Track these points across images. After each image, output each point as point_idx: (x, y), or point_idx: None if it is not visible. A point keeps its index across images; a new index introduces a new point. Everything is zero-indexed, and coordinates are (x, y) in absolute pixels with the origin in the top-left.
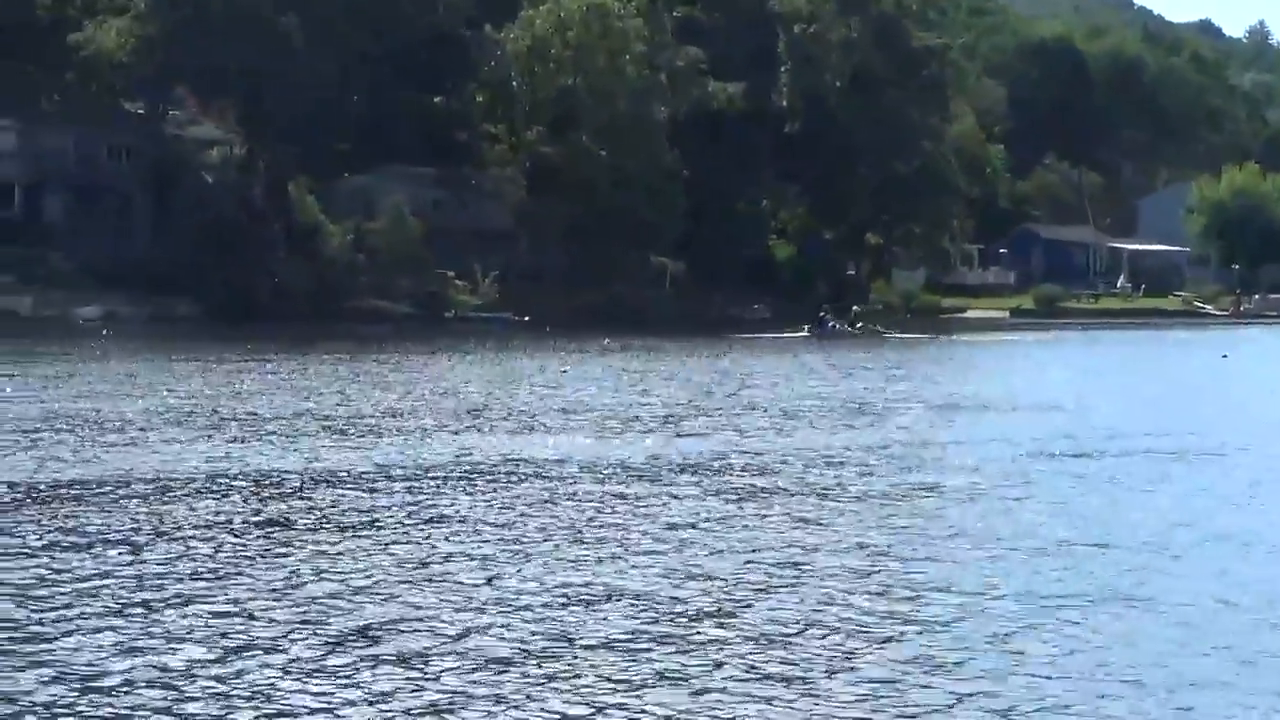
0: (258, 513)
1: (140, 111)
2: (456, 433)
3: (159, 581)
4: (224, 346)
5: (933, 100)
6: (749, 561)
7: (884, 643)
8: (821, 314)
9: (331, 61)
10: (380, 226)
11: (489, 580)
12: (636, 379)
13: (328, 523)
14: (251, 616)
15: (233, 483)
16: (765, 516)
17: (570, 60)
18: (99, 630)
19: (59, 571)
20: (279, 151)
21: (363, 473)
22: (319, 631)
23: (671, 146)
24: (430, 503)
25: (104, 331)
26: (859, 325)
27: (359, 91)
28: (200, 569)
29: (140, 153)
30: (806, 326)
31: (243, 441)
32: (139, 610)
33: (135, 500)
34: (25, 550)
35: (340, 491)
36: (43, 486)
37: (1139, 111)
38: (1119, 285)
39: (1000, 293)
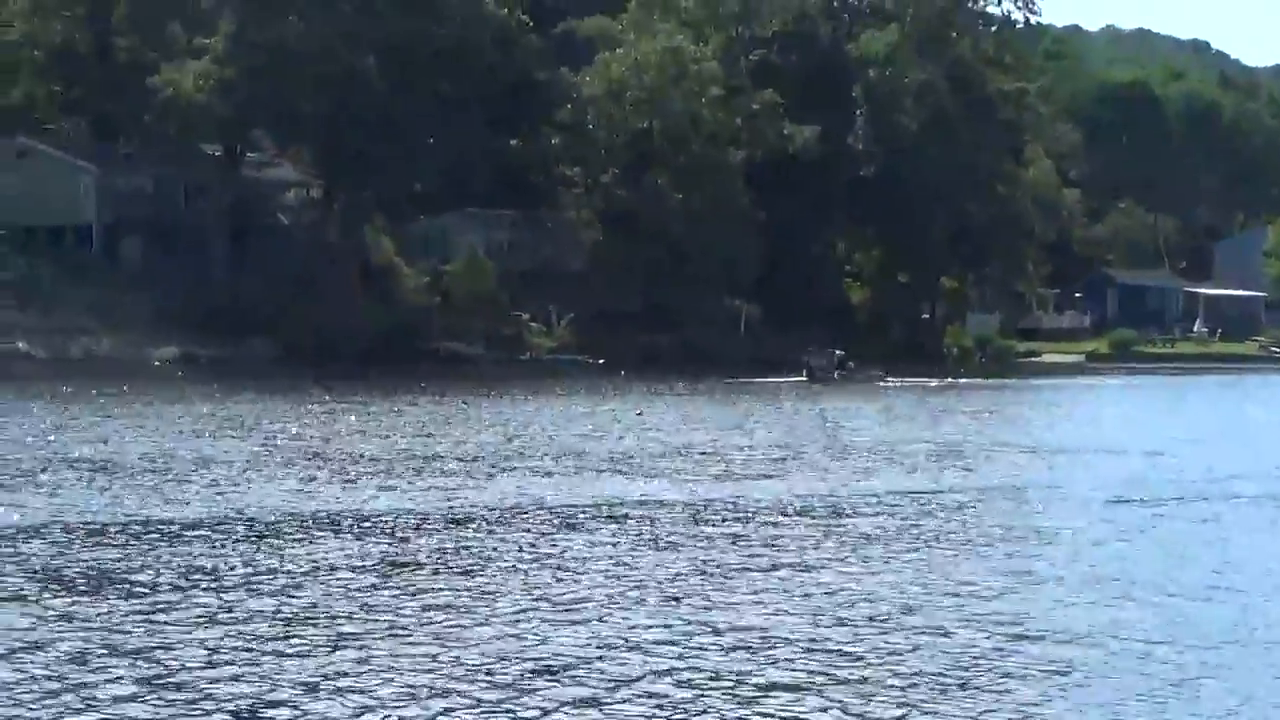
0: (385, 551)
1: (218, 154)
2: (565, 474)
3: (312, 619)
4: (307, 388)
5: (1008, 144)
6: (878, 604)
7: (999, 686)
8: (806, 359)
9: (409, 104)
10: (456, 268)
11: (630, 618)
12: (726, 421)
13: (459, 561)
14: (385, 653)
15: (358, 522)
16: (885, 559)
17: (646, 103)
18: (237, 668)
19: (199, 607)
20: (355, 193)
21: (491, 509)
22: (500, 674)
23: (747, 189)
24: (553, 542)
25: (179, 373)
26: (848, 367)
27: (436, 134)
28: (338, 607)
29: (218, 195)
30: (804, 372)
31: (353, 481)
32: (285, 649)
33: (277, 539)
34: (159, 585)
35: (467, 530)
36: (173, 524)
37: (1215, 155)
38: (1195, 330)
39: (1075, 337)
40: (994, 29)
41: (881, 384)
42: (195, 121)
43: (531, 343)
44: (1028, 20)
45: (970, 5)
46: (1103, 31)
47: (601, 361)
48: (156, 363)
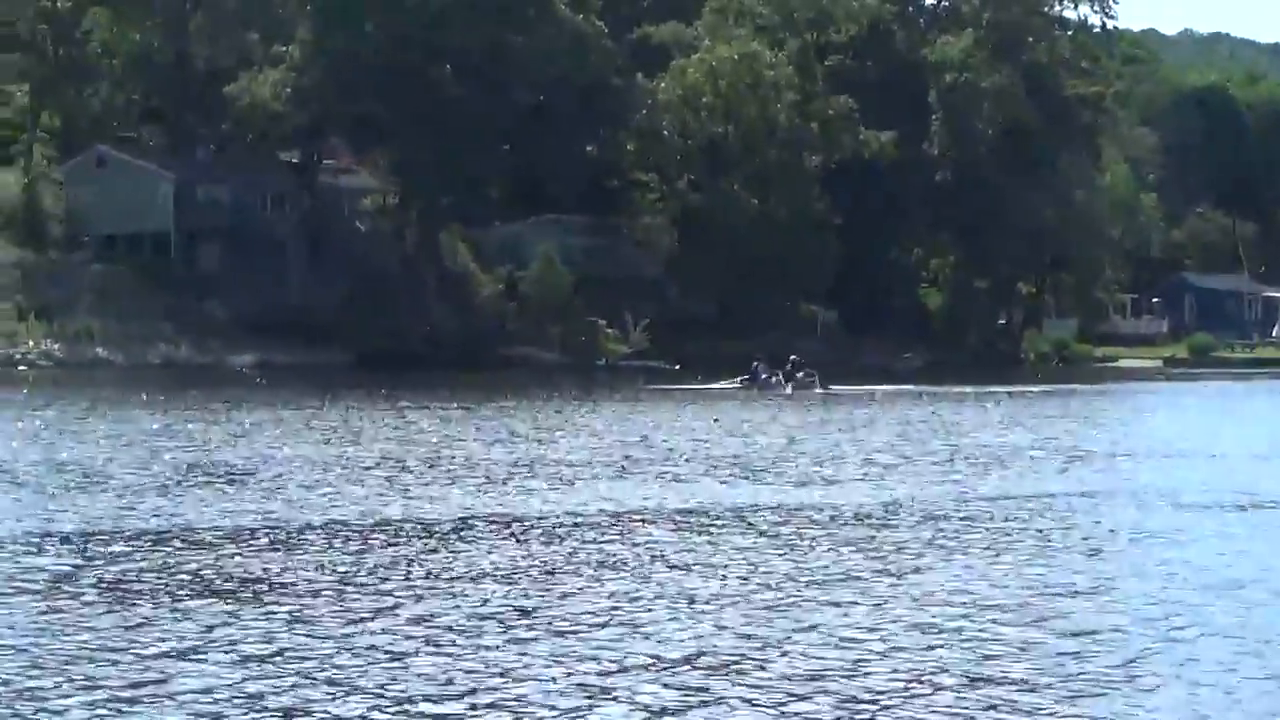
0: (513, 558)
1: (295, 161)
2: (683, 479)
3: (472, 620)
4: (392, 394)
5: (1085, 149)
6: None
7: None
8: (755, 364)
9: (485, 111)
10: (531, 275)
11: (762, 621)
12: (819, 427)
13: (593, 563)
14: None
15: (501, 526)
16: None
17: (721, 109)
18: (402, 670)
19: (357, 610)
20: (431, 200)
21: (620, 514)
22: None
23: (822, 195)
24: (676, 546)
25: (258, 379)
26: (800, 376)
27: (511, 140)
28: (493, 608)
29: (294, 202)
30: (740, 379)
31: (486, 486)
32: (450, 650)
33: (429, 543)
34: (315, 589)
35: (601, 534)
36: (312, 529)
37: None
38: (1275, 334)
39: (1153, 342)
40: (1070, 33)
41: (826, 391)
42: (272, 129)
43: (606, 349)
44: (1104, 24)
45: (1046, 9)
46: (1180, 35)
47: (678, 367)
48: (236, 369)
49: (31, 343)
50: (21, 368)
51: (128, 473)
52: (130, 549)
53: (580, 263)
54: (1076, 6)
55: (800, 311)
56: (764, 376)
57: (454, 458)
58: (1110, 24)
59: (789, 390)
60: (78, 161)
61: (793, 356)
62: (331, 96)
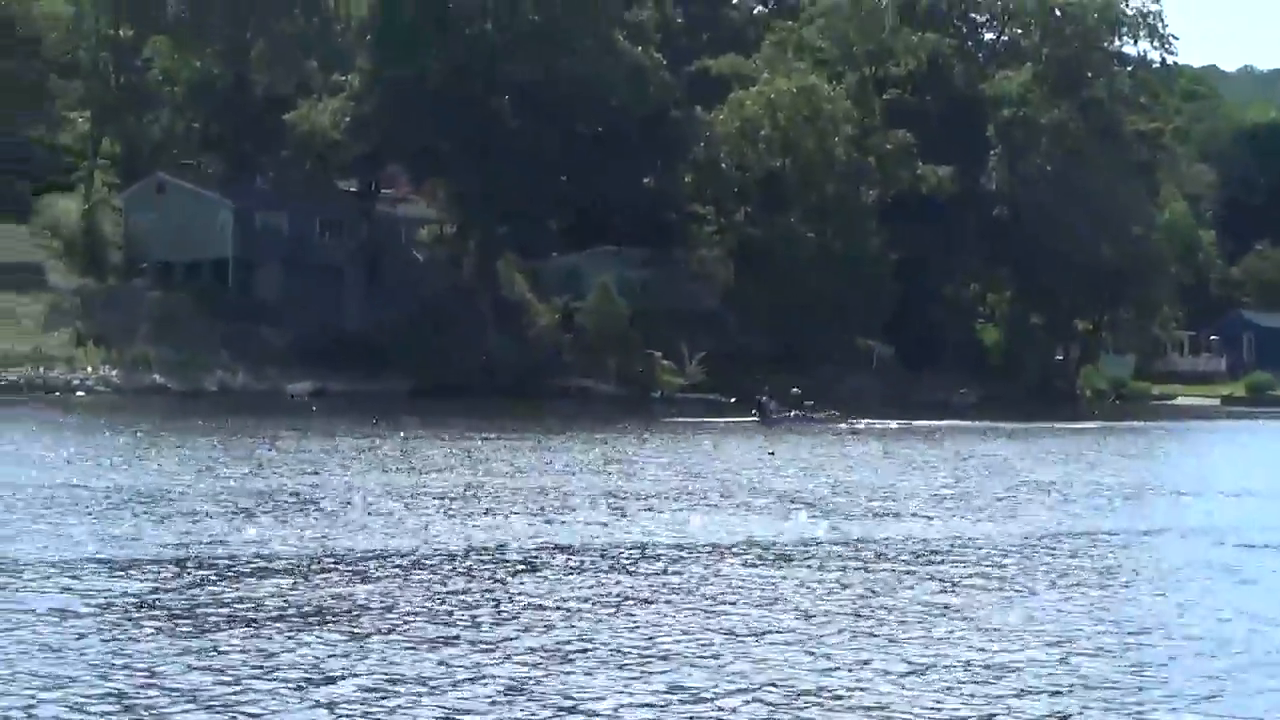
0: (591, 585)
1: (353, 189)
2: (752, 511)
3: (579, 647)
4: (453, 422)
5: (1143, 185)
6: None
7: None
8: (761, 398)
9: (543, 141)
10: (588, 306)
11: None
12: (881, 462)
13: (678, 593)
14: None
15: (581, 555)
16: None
17: (779, 142)
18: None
19: (467, 639)
20: (489, 230)
21: (691, 546)
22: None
23: (879, 229)
24: (750, 578)
25: (313, 407)
26: (805, 408)
27: (569, 171)
28: (587, 636)
29: (352, 230)
30: (754, 411)
31: (565, 515)
32: (572, 678)
33: (493, 571)
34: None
35: (672, 565)
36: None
37: None
38: None
39: (1211, 380)
40: (1129, 68)
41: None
42: (331, 157)
43: (663, 381)
44: (1164, 60)
45: (1106, 45)
46: (1240, 71)
47: (734, 400)
48: (292, 396)
49: (89, 369)
50: (80, 394)
51: (202, 500)
52: (208, 575)
53: (637, 294)
54: (1136, 42)
55: (857, 346)
56: (771, 411)
57: (522, 488)
58: (1170, 60)
59: (791, 416)
60: (137, 188)
61: (793, 390)
62: (390, 125)
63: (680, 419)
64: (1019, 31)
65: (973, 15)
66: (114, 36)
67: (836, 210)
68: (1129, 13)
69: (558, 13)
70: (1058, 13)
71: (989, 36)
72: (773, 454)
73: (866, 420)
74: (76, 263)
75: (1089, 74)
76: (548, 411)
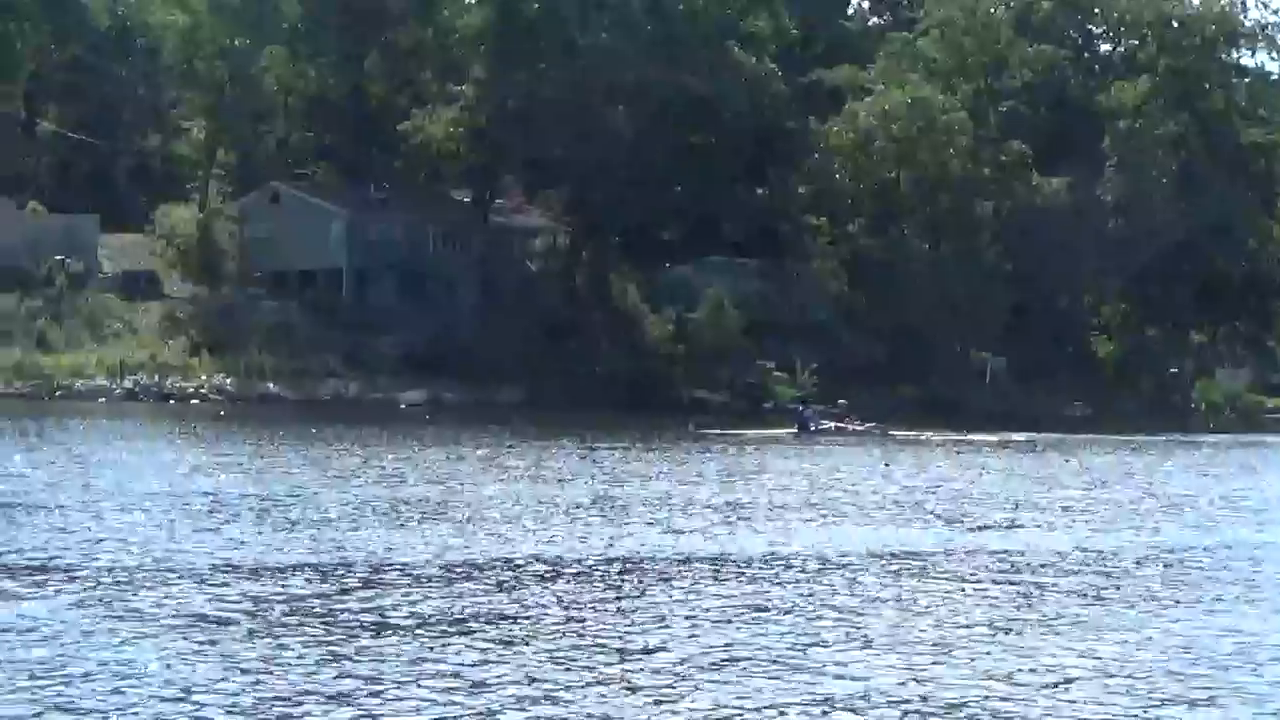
0: (732, 595)
1: (467, 199)
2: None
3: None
4: (573, 432)
5: (1260, 197)
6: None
7: None
8: (801, 409)
9: (657, 152)
10: (701, 316)
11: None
12: (1001, 474)
13: (808, 606)
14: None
15: (704, 566)
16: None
17: (894, 153)
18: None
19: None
20: (603, 241)
21: (824, 557)
22: None
23: (993, 241)
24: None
25: (426, 417)
26: (847, 421)
27: (684, 182)
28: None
29: (466, 241)
30: (795, 425)
31: (705, 525)
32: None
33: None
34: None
35: (807, 575)
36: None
37: None
38: None
39: None
40: (1247, 80)
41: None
42: (445, 167)
43: (775, 392)
44: None
45: (1223, 56)
46: None
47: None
48: (404, 406)
49: (204, 377)
50: (195, 402)
51: (339, 507)
52: (353, 582)
53: (750, 305)
54: (1254, 54)
55: (970, 358)
56: (810, 423)
57: (651, 497)
58: None
59: (832, 428)
60: (252, 198)
61: (840, 401)
62: (504, 136)
63: (714, 430)
64: (1135, 43)
65: (1089, 26)
66: (230, 46)
67: (951, 222)
68: (1247, 24)
69: (673, 24)
70: (1175, 24)
71: (1105, 48)
72: (888, 465)
73: (971, 434)
74: (192, 272)
75: (1206, 85)
76: (662, 423)
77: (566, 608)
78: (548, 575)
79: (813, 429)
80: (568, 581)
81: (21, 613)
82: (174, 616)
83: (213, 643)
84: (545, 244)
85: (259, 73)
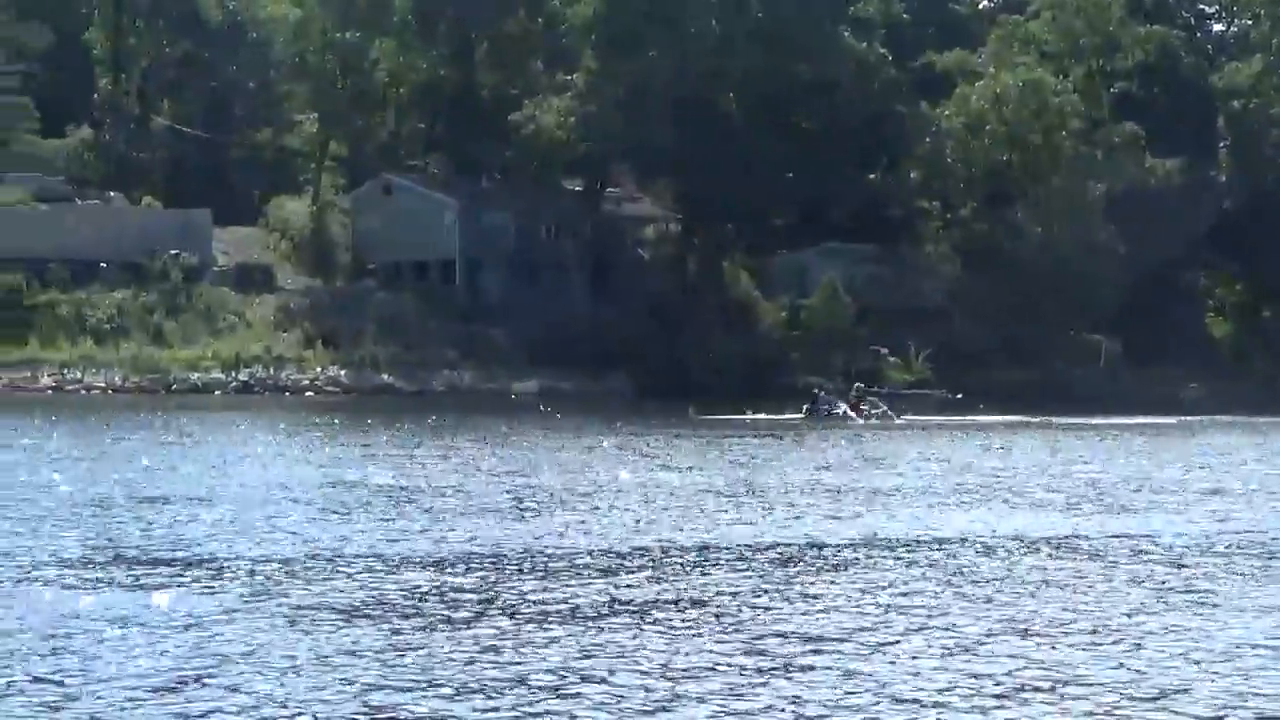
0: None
1: (578, 189)
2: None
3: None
4: (691, 420)
5: None
6: None
7: None
8: (816, 392)
9: (768, 139)
10: (814, 303)
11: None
12: (1123, 456)
13: (957, 589)
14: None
15: (823, 551)
16: None
17: (1005, 136)
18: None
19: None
20: (714, 228)
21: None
22: None
23: (1107, 222)
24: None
25: (540, 406)
26: (865, 408)
27: (795, 168)
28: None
29: (578, 230)
30: (805, 407)
31: (792, 511)
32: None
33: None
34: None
35: (951, 559)
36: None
37: None
38: None
39: None
40: None
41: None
42: (556, 157)
43: (889, 378)
44: None
45: None
46: None
47: (959, 396)
48: (516, 395)
49: (318, 369)
50: (309, 393)
51: (479, 497)
52: (504, 571)
53: (863, 291)
54: None
55: (1084, 341)
56: (825, 408)
57: (789, 485)
58: None
59: (857, 417)
60: (364, 190)
61: (857, 384)
62: (615, 124)
63: (719, 416)
64: (1248, 22)
65: (1201, 6)
66: (341, 39)
67: (1063, 204)
68: None
69: (784, 10)
70: None
71: (1217, 28)
72: (1003, 449)
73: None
74: (305, 264)
75: None
76: (777, 409)
77: (716, 594)
78: (699, 561)
79: (824, 411)
80: (721, 568)
81: (185, 606)
82: (337, 607)
83: (377, 633)
84: (657, 232)
85: (370, 65)
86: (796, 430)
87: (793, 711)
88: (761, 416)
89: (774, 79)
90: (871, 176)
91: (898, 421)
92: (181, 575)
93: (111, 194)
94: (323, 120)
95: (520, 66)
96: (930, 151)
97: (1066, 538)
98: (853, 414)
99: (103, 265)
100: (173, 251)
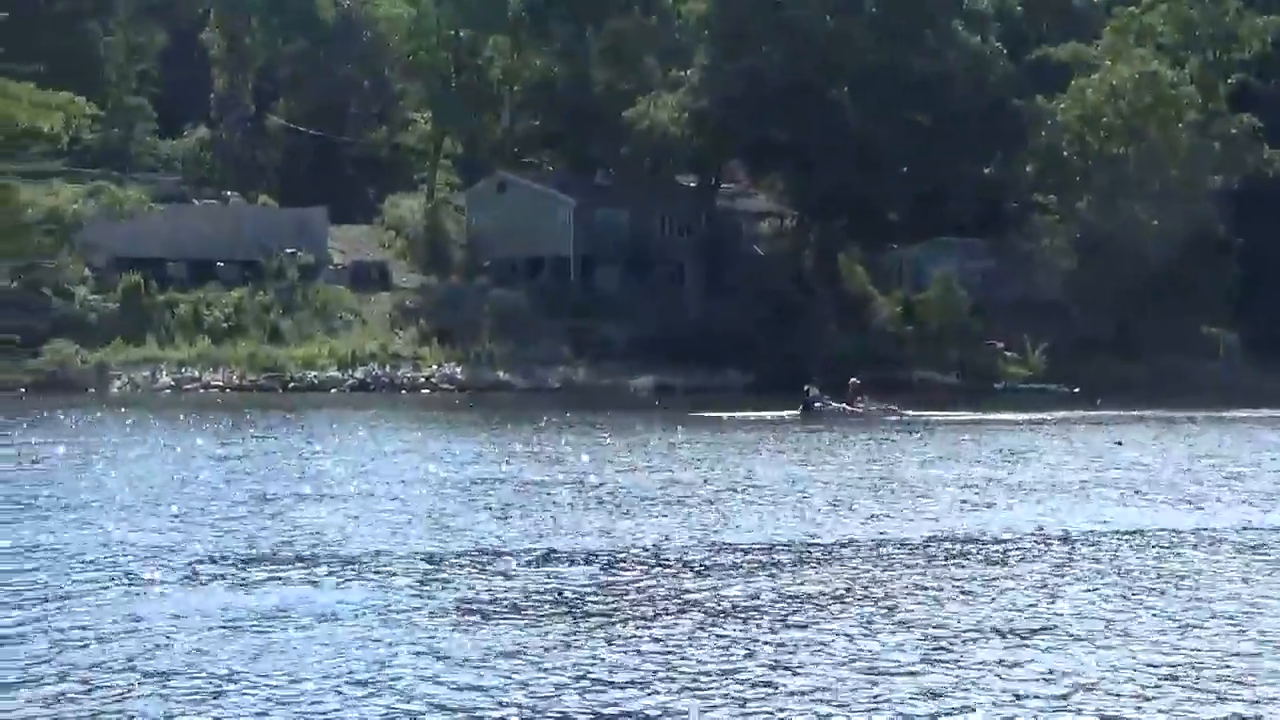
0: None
1: (693, 185)
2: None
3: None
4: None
5: None
6: None
7: None
8: (806, 389)
9: (882, 133)
10: (929, 297)
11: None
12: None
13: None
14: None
15: (961, 547)
16: None
17: (1122, 129)
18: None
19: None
20: (829, 223)
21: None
22: None
23: (1224, 215)
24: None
25: (656, 402)
26: (862, 402)
27: (908, 162)
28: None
29: (692, 225)
30: (800, 407)
31: (925, 507)
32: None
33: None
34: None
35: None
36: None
37: None
38: None
39: None
40: None
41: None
42: (670, 153)
43: (1005, 371)
44: None
45: None
46: None
47: (1077, 390)
48: (633, 391)
49: (434, 366)
50: (425, 391)
51: (621, 492)
52: (646, 567)
53: (978, 285)
54: None
55: (1202, 334)
56: (816, 403)
57: (932, 478)
58: None
59: (854, 412)
60: (479, 187)
61: (852, 380)
62: (729, 120)
63: (710, 413)
64: None
65: None
66: (455, 37)
67: (1180, 197)
68: None
69: (897, 3)
70: None
71: None
72: (1120, 444)
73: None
74: (420, 262)
75: None
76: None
77: (841, 590)
78: (844, 557)
79: (818, 407)
80: (846, 565)
81: (333, 600)
82: (508, 602)
83: (521, 627)
84: (772, 227)
85: (484, 62)
86: (913, 425)
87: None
88: (753, 414)
89: (888, 73)
90: (986, 170)
91: (900, 415)
92: (347, 572)
93: (228, 193)
94: (437, 118)
95: (634, 63)
96: (1046, 144)
97: (1217, 530)
98: (849, 408)
99: (220, 264)
100: (289, 250)
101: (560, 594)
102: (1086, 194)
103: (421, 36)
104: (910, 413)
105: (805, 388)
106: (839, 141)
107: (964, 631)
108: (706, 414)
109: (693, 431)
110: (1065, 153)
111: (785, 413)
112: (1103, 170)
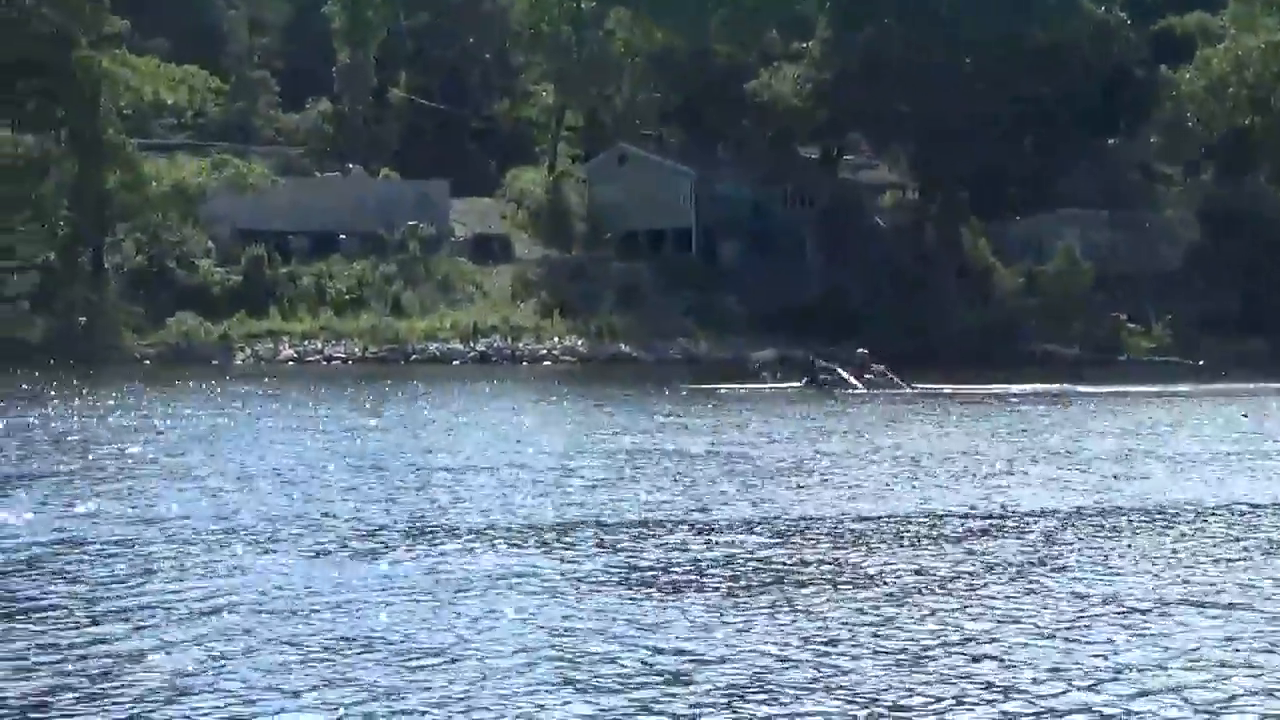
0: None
1: (814, 157)
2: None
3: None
4: (940, 388)
5: None
6: None
7: None
8: (812, 360)
9: (1005, 105)
10: (1051, 269)
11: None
12: None
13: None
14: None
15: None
16: None
17: (1248, 100)
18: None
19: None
20: (951, 195)
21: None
22: None
23: None
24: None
25: (776, 374)
26: (871, 375)
27: (1033, 134)
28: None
29: (814, 198)
30: (805, 379)
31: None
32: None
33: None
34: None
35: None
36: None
37: None
38: None
39: None
40: None
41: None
42: (792, 125)
43: (1128, 344)
44: None
45: None
46: None
47: (1201, 363)
48: (755, 364)
49: (556, 339)
50: (546, 364)
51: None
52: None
53: (1101, 257)
54: None
55: None
56: (824, 376)
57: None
58: None
59: (860, 386)
60: (600, 160)
61: (860, 350)
62: (851, 91)
63: (709, 385)
64: None
65: None
66: (576, 9)
67: None
68: None
69: None
70: None
71: None
72: (1245, 416)
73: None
74: (541, 234)
75: None
76: (1021, 377)
77: (953, 565)
78: (970, 532)
79: (823, 379)
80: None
81: (522, 570)
82: (678, 572)
83: (638, 600)
84: (895, 199)
85: (605, 35)
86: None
87: (1137, 669)
88: (752, 387)
89: (1010, 43)
90: (1110, 141)
91: (907, 390)
92: (511, 541)
93: (351, 166)
94: (558, 90)
95: (755, 35)
96: (1170, 115)
97: None
98: (856, 382)
99: (342, 237)
100: (411, 222)
101: (762, 561)
102: (1210, 165)
103: (543, 8)
104: (920, 385)
105: (810, 358)
106: (961, 112)
107: (1142, 601)
108: (705, 386)
109: (815, 404)
110: (1190, 124)
111: (786, 385)
112: (1228, 142)
